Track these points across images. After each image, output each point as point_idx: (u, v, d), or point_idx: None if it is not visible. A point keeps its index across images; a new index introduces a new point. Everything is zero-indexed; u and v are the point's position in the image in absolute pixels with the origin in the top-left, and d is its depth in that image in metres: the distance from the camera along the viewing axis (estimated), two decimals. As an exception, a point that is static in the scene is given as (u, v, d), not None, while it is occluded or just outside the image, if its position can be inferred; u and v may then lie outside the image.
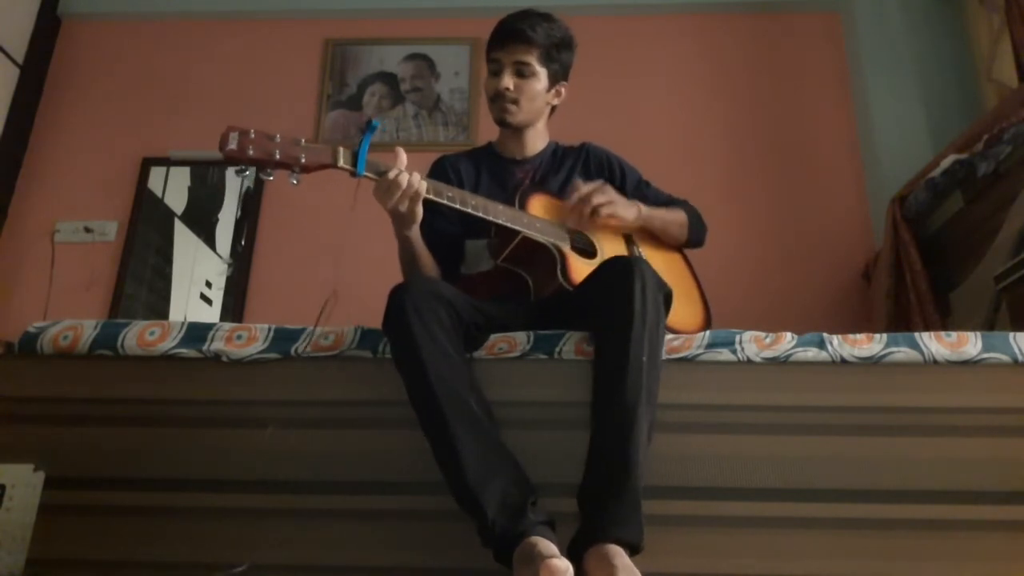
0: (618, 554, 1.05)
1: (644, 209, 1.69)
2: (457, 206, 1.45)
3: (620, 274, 1.25)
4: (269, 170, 1.31)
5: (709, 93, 3.19)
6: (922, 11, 3.05)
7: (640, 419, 1.15)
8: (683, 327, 1.56)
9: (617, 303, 1.23)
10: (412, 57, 3.31)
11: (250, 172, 1.30)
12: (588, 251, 1.60)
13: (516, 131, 1.76)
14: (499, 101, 1.69)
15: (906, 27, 3.02)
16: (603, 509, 1.11)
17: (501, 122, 1.72)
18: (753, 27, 3.30)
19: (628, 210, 1.65)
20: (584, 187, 1.61)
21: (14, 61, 3.15)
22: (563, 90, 1.78)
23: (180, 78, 3.29)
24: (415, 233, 1.49)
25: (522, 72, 1.68)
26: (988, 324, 2.04)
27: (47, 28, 3.32)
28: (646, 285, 1.23)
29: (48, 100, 3.27)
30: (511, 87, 1.67)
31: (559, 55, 1.72)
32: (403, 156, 1.40)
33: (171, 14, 3.40)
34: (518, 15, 1.70)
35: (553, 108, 1.81)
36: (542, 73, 1.70)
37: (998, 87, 2.73)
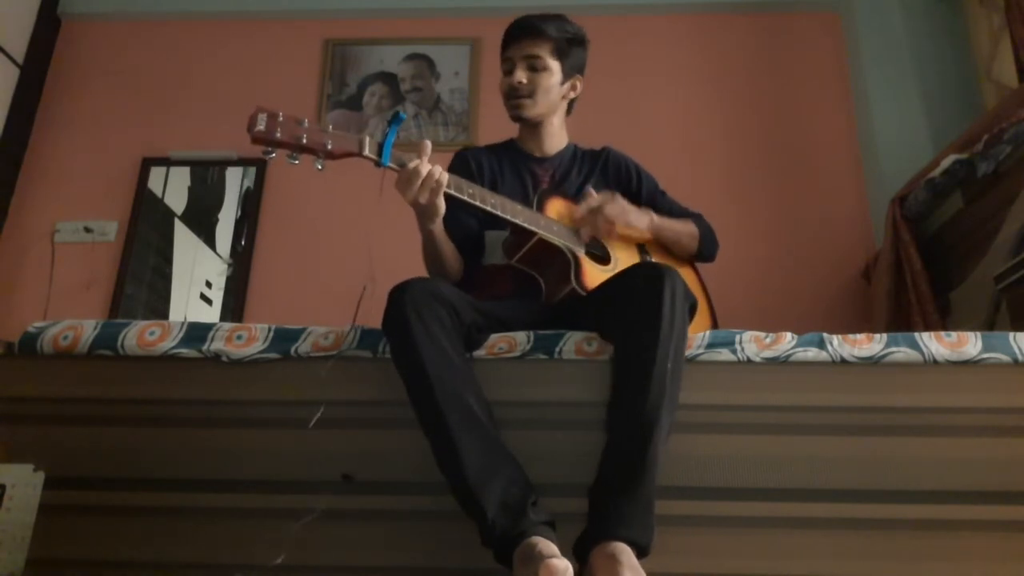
0: (624, 552, 1.05)
1: (656, 218, 1.68)
2: (477, 203, 1.45)
3: (651, 280, 1.25)
4: (295, 154, 1.32)
5: (709, 93, 3.19)
6: (922, 11, 3.05)
7: (662, 424, 1.16)
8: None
9: (647, 309, 1.22)
10: (412, 57, 3.31)
11: (275, 154, 1.31)
12: (602, 258, 1.59)
13: (534, 128, 1.76)
14: (512, 96, 1.69)
15: (906, 27, 3.02)
16: (615, 508, 1.12)
17: (516, 118, 1.72)
18: (753, 27, 3.30)
19: (640, 219, 1.65)
20: (595, 198, 1.60)
21: (14, 61, 3.15)
22: (579, 84, 1.78)
23: (180, 78, 3.29)
24: (438, 227, 1.49)
25: (534, 66, 1.68)
26: (988, 324, 2.04)
27: (47, 28, 3.32)
28: (675, 293, 1.23)
29: (48, 100, 3.27)
30: (524, 80, 1.68)
31: (571, 49, 1.73)
32: (428, 147, 1.40)
33: (171, 14, 3.40)
34: (530, 14, 1.71)
35: (571, 105, 1.81)
36: (555, 67, 1.70)
37: (998, 87, 2.73)
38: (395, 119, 1.38)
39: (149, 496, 1.31)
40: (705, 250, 1.80)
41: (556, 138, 1.79)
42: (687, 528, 1.24)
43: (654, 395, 1.17)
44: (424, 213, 1.44)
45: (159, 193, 3.12)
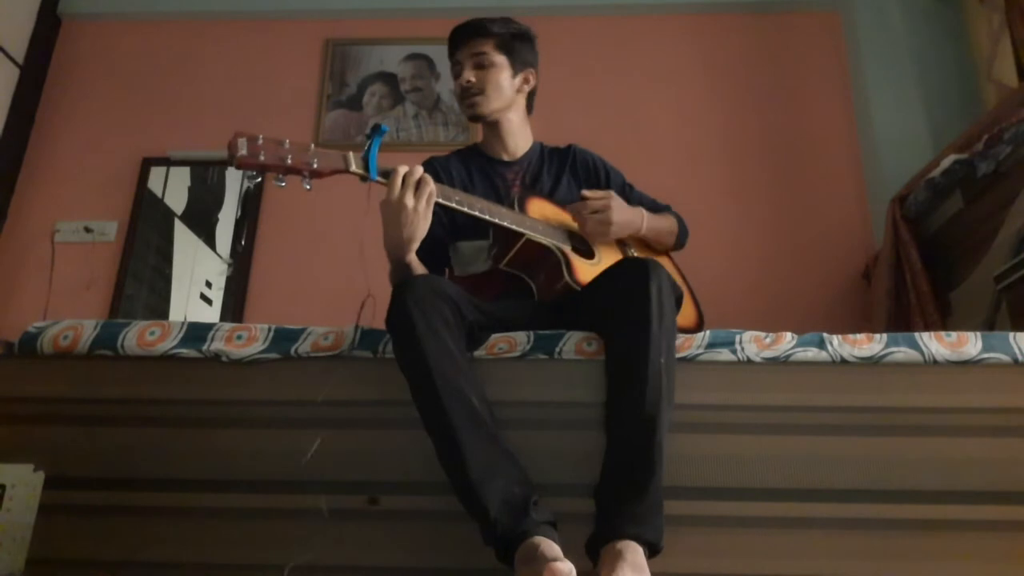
0: (632, 549, 1.05)
1: (647, 219, 1.69)
2: (465, 209, 1.44)
3: (638, 276, 1.25)
4: (281, 176, 1.28)
5: (709, 93, 3.19)
6: (922, 11, 3.05)
7: (662, 420, 1.16)
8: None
9: (635, 305, 1.23)
10: (412, 57, 3.31)
11: (261, 178, 1.28)
12: (586, 253, 1.60)
13: (493, 127, 1.74)
14: (465, 97, 1.69)
15: (906, 27, 3.02)
16: (623, 508, 1.12)
17: (472, 117, 1.72)
18: (753, 27, 3.30)
19: (635, 219, 1.66)
20: (597, 200, 1.61)
21: (14, 61, 3.15)
22: (532, 78, 1.77)
23: (180, 78, 3.29)
24: (414, 258, 1.42)
25: (481, 63, 1.69)
26: (988, 324, 2.04)
27: (47, 28, 3.32)
28: (662, 287, 1.24)
29: (48, 100, 3.27)
30: (472, 79, 1.68)
31: (516, 44, 1.72)
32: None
33: (171, 14, 3.40)
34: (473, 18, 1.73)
35: (531, 103, 1.80)
36: (502, 61, 1.70)
37: (998, 87, 2.73)
38: (376, 132, 1.35)
39: (149, 496, 1.31)
40: (679, 242, 1.84)
41: (520, 137, 1.77)
42: (687, 528, 1.24)
43: (652, 392, 1.17)
44: (410, 232, 1.35)
45: (159, 193, 3.12)
